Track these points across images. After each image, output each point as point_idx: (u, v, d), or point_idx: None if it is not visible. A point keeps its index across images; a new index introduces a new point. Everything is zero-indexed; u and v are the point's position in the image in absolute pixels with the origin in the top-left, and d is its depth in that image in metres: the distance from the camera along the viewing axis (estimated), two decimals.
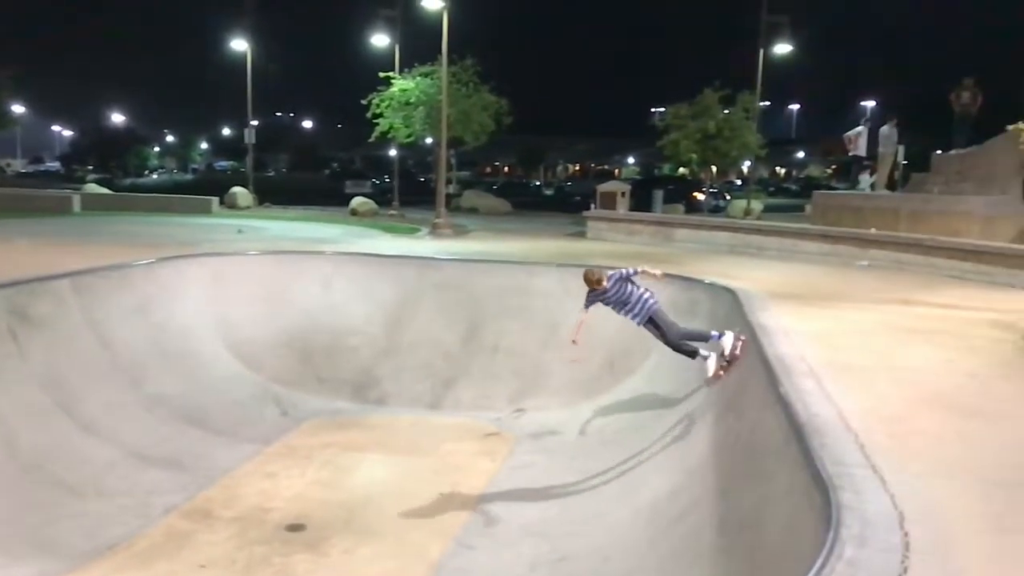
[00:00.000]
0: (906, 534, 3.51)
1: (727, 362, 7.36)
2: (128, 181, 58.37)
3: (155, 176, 77.14)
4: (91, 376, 9.30)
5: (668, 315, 7.62)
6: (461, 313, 12.26)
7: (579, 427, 9.90)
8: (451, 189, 26.78)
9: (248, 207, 28.43)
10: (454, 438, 9.84)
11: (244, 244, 15.20)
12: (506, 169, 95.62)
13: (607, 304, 7.48)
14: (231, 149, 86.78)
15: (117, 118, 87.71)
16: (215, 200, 26.75)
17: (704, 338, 7.65)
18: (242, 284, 12.26)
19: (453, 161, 28.04)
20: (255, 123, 33.59)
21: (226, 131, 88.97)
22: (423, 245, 17.09)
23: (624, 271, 7.41)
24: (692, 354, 7.55)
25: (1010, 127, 13.67)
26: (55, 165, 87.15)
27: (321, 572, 6.50)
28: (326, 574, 6.47)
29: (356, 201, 27.93)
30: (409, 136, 24.77)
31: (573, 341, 7.65)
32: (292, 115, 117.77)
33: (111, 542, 6.82)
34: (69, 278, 10.12)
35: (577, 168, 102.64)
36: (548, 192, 59.55)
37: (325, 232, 19.11)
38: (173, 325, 11.12)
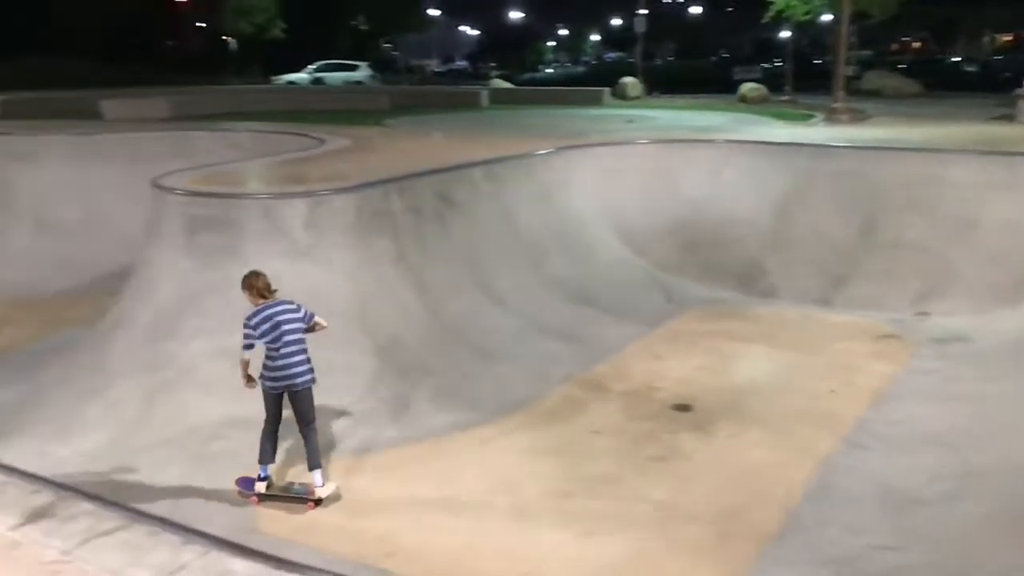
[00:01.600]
0: None
1: None
2: (526, 76, 62.11)
3: (549, 70, 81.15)
4: (500, 256, 10.34)
5: None
6: (857, 205, 11.42)
7: (995, 336, 8.85)
8: (850, 71, 24.58)
9: (637, 97, 28.83)
10: (845, 337, 9.38)
11: (633, 133, 15.55)
12: (916, 45, 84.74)
13: None
14: (620, 40, 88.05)
15: (516, 15, 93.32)
16: (606, 91, 27.50)
17: None
18: (631, 173, 12.62)
19: (854, 39, 25.62)
20: (644, 12, 33.60)
21: (615, 21, 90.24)
22: (817, 132, 16.08)
23: None
24: None
25: None
26: (463, 64, 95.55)
27: (706, 452, 6.71)
28: (711, 454, 6.67)
29: (746, 87, 26.99)
30: (807, 13, 23.18)
31: None
32: (680, 1, 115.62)
33: (517, 402, 7.68)
34: (482, 166, 11.21)
35: (1009, 38, 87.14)
36: (970, 69, 51.81)
37: (713, 120, 18.78)
38: (568, 212, 11.89)
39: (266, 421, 5.76)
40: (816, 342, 9.23)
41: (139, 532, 2.38)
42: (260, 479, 5.78)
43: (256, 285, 5.75)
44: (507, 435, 7.02)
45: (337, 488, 5.94)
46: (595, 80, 34.56)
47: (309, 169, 10.93)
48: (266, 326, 5.60)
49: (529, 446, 6.81)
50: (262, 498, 5.81)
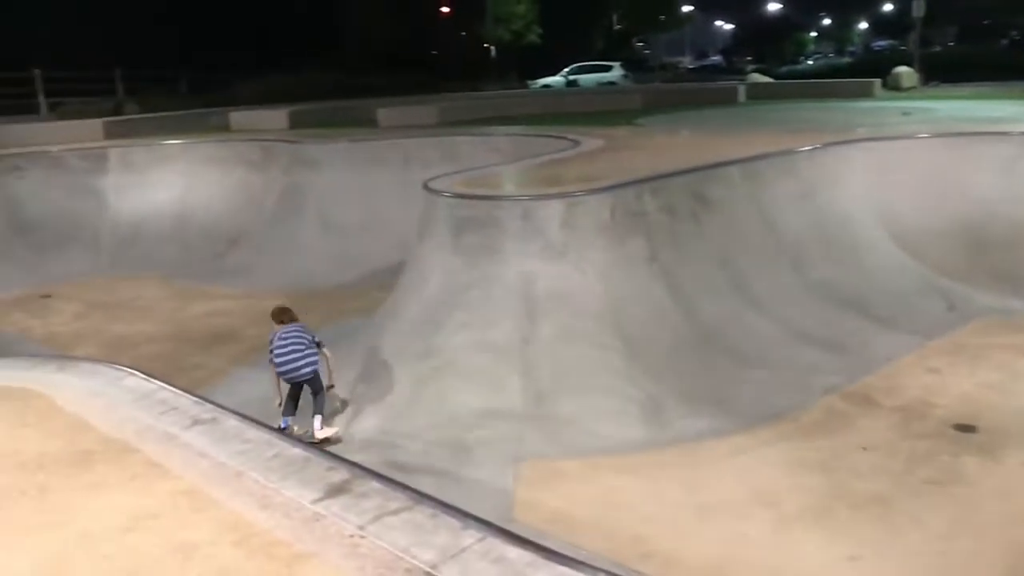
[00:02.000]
0: None
1: None
2: (784, 68, 59.43)
3: (810, 62, 77.03)
4: (757, 257, 9.94)
5: None
6: None
7: None
8: None
9: (912, 87, 26.62)
10: None
11: (910, 127, 14.33)
12: None
13: None
14: (891, 26, 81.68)
15: (773, 6, 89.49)
16: (876, 82, 25.64)
17: None
18: (907, 170, 11.63)
19: None
20: None
21: (887, 7, 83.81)
22: None
23: None
24: None
25: None
26: (717, 59, 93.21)
27: (994, 479, 6.02)
28: (1000, 482, 5.97)
29: None
30: None
31: None
32: None
33: (775, 411, 7.33)
34: (739, 165, 10.84)
35: None
36: None
37: (1004, 110, 16.85)
38: (834, 211, 11.17)
39: (289, 393, 7.41)
40: None
41: (422, 513, 2.53)
42: (281, 428, 6.80)
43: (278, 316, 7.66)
44: (765, 445, 6.73)
45: (336, 432, 7.30)
46: (863, 71, 32.27)
47: (565, 170, 11.16)
48: (279, 341, 7.35)
49: (789, 458, 6.49)
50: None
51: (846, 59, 72.37)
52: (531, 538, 2.73)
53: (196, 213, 16.67)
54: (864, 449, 6.58)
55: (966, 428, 6.81)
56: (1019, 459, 6.28)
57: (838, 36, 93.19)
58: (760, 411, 7.33)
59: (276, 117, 22.00)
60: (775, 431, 6.97)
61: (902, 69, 27.39)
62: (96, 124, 20.83)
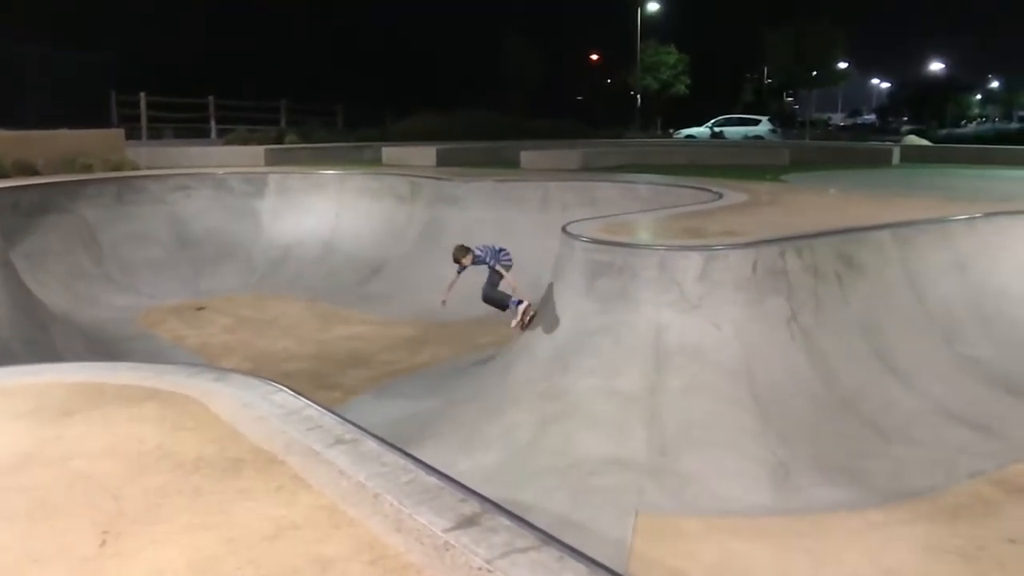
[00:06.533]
0: None
1: None
2: (944, 131, 56.79)
3: (974, 125, 73.26)
4: (904, 327, 9.50)
5: None
6: None
7: None
8: None
9: None
10: None
11: None
12: None
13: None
14: None
15: (936, 66, 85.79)
16: None
17: None
18: None
19: None
20: None
21: None
22: None
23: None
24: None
25: None
26: (871, 117, 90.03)
27: None
28: None
29: None
30: None
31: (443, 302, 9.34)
32: None
33: (914, 490, 6.95)
34: (890, 229, 10.43)
35: None
36: None
37: None
38: (991, 285, 10.56)
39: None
40: None
41: (549, 555, 2.58)
42: (518, 304, 9.21)
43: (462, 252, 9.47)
44: (901, 524, 6.39)
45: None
46: None
47: (706, 223, 11.06)
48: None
49: (926, 542, 6.13)
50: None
51: (1015, 124, 68.36)
52: None
53: (344, 240, 17.48)
54: (1012, 541, 6.13)
55: None
56: None
57: (1006, 100, 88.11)
58: (898, 488, 6.97)
59: (425, 154, 22.89)
60: (913, 511, 6.60)
61: None
62: (259, 151, 22.28)
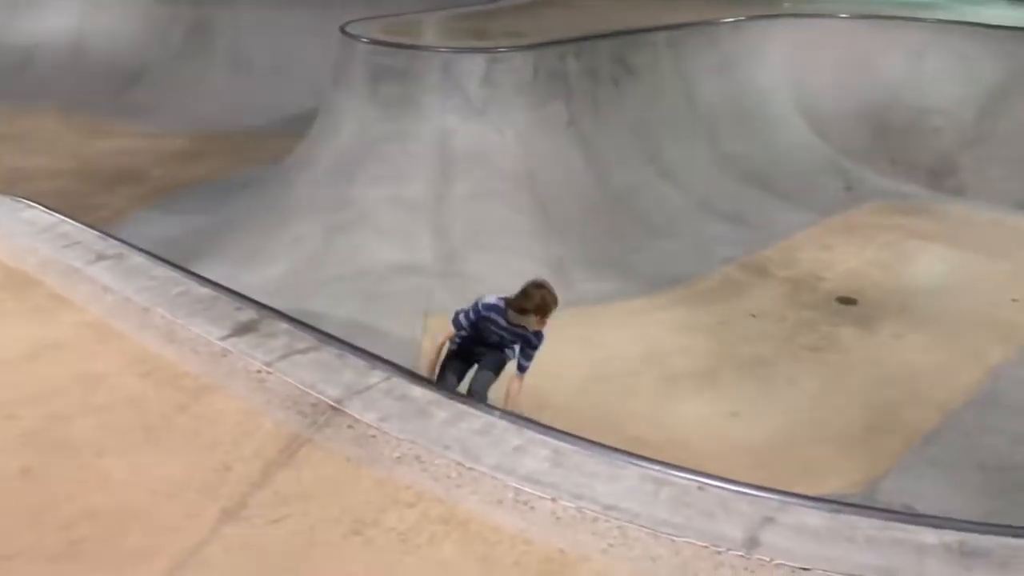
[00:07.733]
0: None
1: None
2: None
3: None
4: (674, 127, 10.05)
5: None
6: None
7: None
8: None
9: None
10: None
11: (834, 5, 14.33)
12: None
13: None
14: None
15: None
16: None
17: None
18: (825, 49, 11.70)
19: None
20: None
21: None
22: None
23: None
24: None
25: None
26: None
27: (866, 347, 6.54)
28: (871, 351, 6.49)
29: None
30: None
31: None
32: None
33: (675, 277, 7.67)
34: (665, 32, 10.74)
35: None
36: None
37: None
38: (750, 86, 11.29)
39: None
40: (1004, 247, 8.57)
41: (329, 353, 2.64)
42: None
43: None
44: (660, 309, 7.07)
45: None
46: None
47: (489, 23, 10.86)
48: None
49: (682, 322, 6.85)
50: None
51: None
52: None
53: (96, 42, 15.60)
54: (753, 316, 7.00)
55: (848, 301, 7.29)
56: (892, 331, 6.80)
57: None
58: (661, 277, 7.65)
59: None
60: (672, 296, 7.31)
61: None
62: None
